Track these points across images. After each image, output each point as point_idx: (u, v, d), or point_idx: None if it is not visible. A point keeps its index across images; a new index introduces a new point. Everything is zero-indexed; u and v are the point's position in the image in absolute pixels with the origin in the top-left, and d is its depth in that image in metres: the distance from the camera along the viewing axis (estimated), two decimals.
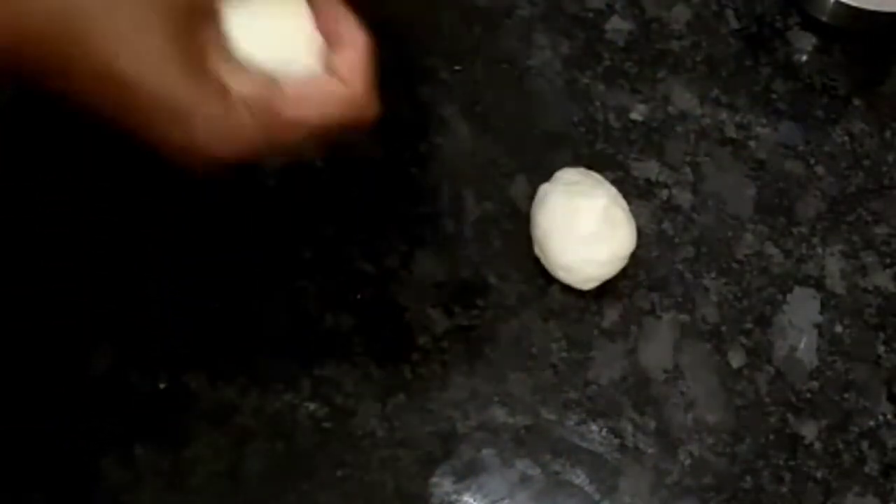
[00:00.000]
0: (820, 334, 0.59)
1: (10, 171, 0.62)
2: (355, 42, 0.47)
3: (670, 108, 0.63)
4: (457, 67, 0.65)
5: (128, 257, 0.60)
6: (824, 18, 0.66)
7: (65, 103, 0.41)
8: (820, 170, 0.63)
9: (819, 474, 0.56)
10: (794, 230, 0.62)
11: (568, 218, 0.57)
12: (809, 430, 0.57)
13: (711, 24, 0.67)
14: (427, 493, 0.56)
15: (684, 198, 0.62)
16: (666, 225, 0.62)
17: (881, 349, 0.59)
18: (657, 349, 0.59)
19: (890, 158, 0.64)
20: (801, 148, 0.64)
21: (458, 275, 0.60)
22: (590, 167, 0.61)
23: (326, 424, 0.57)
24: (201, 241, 0.61)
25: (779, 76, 0.66)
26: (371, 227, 0.61)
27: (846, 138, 0.64)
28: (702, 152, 0.63)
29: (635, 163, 0.63)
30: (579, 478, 0.56)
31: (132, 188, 0.62)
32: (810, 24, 0.67)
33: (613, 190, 0.60)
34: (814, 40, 0.67)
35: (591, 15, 0.67)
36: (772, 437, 0.57)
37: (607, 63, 0.66)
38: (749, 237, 0.61)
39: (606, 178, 0.61)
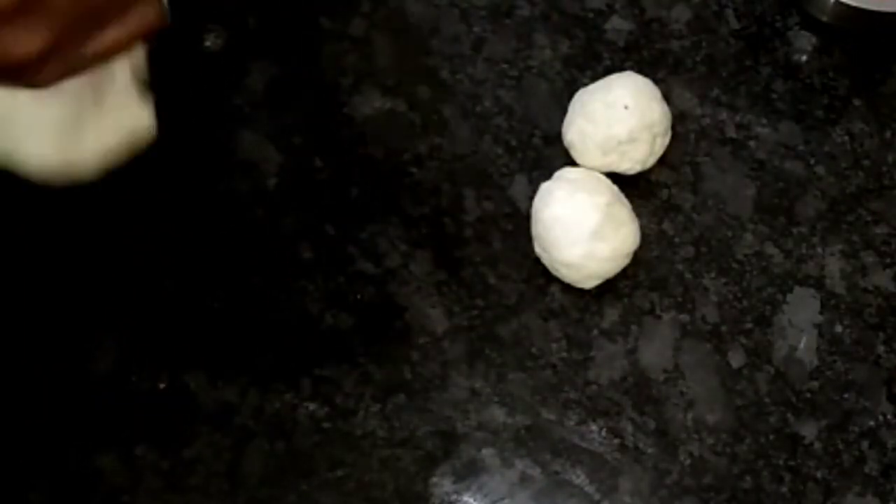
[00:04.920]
0: (820, 334, 0.59)
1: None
2: None
3: (670, 108, 0.63)
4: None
5: (128, 258, 0.60)
6: (824, 18, 0.66)
7: None
8: (820, 170, 0.63)
9: (819, 474, 0.56)
10: (794, 230, 0.62)
11: (571, 214, 0.57)
12: (809, 430, 0.57)
13: (711, 24, 0.67)
14: (427, 493, 0.56)
15: (684, 198, 0.62)
16: (666, 225, 0.62)
17: (881, 349, 0.59)
18: (657, 349, 0.59)
19: (890, 158, 0.64)
20: (801, 148, 0.64)
21: (458, 275, 0.60)
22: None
23: (326, 424, 0.57)
24: (202, 240, 0.61)
25: (779, 76, 0.66)
26: (371, 227, 0.61)
27: (846, 138, 0.64)
28: (702, 152, 0.63)
29: None
30: (579, 478, 0.56)
31: (132, 189, 0.62)
32: (810, 24, 0.67)
33: (615, 188, 0.60)
34: (814, 40, 0.67)
35: (591, 15, 0.67)
36: (772, 437, 0.57)
37: (607, 63, 0.66)
38: (749, 237, 0.61)
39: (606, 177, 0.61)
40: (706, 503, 0.56)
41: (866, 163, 0.63)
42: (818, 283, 0.60)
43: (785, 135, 0.64)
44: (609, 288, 0.60)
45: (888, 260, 0.61)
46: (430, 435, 0.57)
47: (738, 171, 0.63)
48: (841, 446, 0.57)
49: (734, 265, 0.61)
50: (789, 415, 0.57)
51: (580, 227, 0.57)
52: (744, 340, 0.59)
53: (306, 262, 0.60)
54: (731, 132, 0.64)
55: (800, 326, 0.59)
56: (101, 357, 0.58)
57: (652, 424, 0.57)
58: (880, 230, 0.62)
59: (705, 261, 0.61)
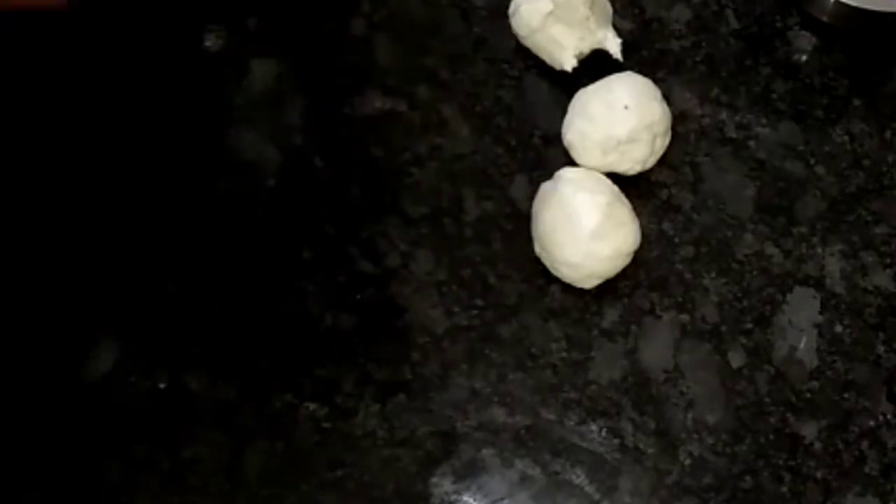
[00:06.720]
0: (820, 334, 0.59)
1: (13, 170, 0.62)
2: None
3: (670, 108, 0.63)
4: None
5: (128, 258, 0.60)
6: (824, 18, 0.66)
7: None
8: (820, 170, 0.63)
9: (819, 474, 0.56)
10: (794, 230, 0.62)
11: (571, 213, 0.57)
12: (809, 430, 0.57)
13: (711, 24, 0.67)
14: (427, 493, 0.56)
15: (684, 198, 0.62)
16: (666, 225, 0.62)
17: (881, 349, 0.59)
18: (657, 349, 0.59)
19: (890, 158, 0.64)
20: (801, 148, 0.64)
21: (458, 275, 0.60)
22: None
23: (326, 424, 0.57)
24: (202, 240, 0.61)
25: (779, 76, 0.66)
26: (371, 227, 0.61)
27: (846, 138, 0.64)
28: (702, 152, 0.63)
29: None
30: (579, 478, 0.56)
31: (133, 189, 0.62)
32: (810, 24, 0.67)
33: (615, 188, 0.60)
34: (814, 40, 0.67)
35: None
36: (772, 437, 0.57)
37: (607, 63, 0.65)
38: (749, 237, 0.61)
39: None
40: (706, 503, 0.56)
41: (866, 163, 0.63)
42: (818, 283, 0.60)
43: (785, 135, 0.64)
44: (609, 288, 0.60)
45: (888, 260, 0.61)
46: (430, 435, 0.57)
47: (738, 171, 0.63)
48: (841, 446, 0.57)
49: (734, 265, 0.61)
50: (789, 415, 0.57)
51: (580, 227, 0.57)
52: (744, 340, 0.59)
53: (306, 262, 0.60)
54: (731, 132, 0.64)
55: (800, 326, 0.59)
56: (101, 357, 0.58)
57: (652, 424, 0.57)
58: (880, 230, 0.62)
59: (705, 261, 0.61)
